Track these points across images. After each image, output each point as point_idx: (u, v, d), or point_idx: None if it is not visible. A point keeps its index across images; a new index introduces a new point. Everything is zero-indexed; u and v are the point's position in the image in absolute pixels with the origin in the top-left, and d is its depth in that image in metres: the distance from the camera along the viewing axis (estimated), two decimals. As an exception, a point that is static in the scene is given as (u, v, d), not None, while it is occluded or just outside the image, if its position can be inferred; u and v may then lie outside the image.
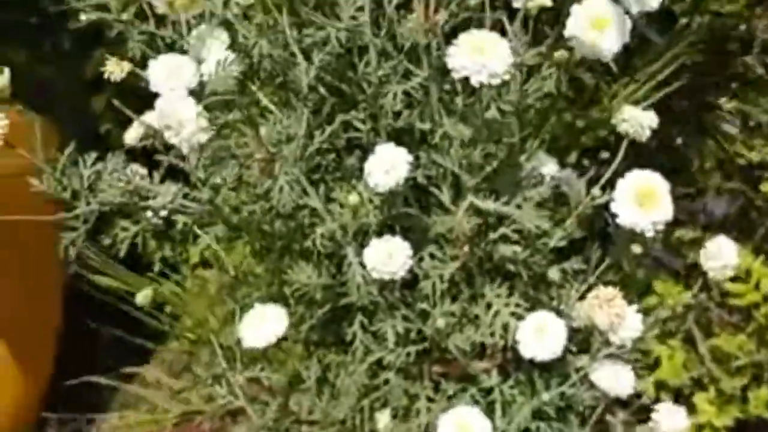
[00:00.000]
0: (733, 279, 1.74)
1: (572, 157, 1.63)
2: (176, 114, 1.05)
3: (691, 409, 1.74)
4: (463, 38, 1.09)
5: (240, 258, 1.41)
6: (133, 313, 1.72)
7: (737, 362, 1.70)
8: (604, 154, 1.61)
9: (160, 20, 1.25)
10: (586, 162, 1.64)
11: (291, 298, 1.31)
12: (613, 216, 1.16)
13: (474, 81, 1.07)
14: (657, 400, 1.80)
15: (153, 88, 1.10)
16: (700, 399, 1.74)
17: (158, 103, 1.07)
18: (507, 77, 1.07)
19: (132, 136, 1.28)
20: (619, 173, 1.20)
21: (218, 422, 1.50)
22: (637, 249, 1.37)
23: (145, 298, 1.30)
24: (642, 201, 1.15)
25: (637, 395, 1.67)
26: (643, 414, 1.79)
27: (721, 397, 1.72)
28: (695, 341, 1.78)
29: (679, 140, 2.14)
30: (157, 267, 1.91)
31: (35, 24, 1.97)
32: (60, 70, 1.97)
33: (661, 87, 1.61)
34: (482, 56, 1.07)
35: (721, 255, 1.27)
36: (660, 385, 1.79)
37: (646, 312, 1.78)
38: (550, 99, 1.38)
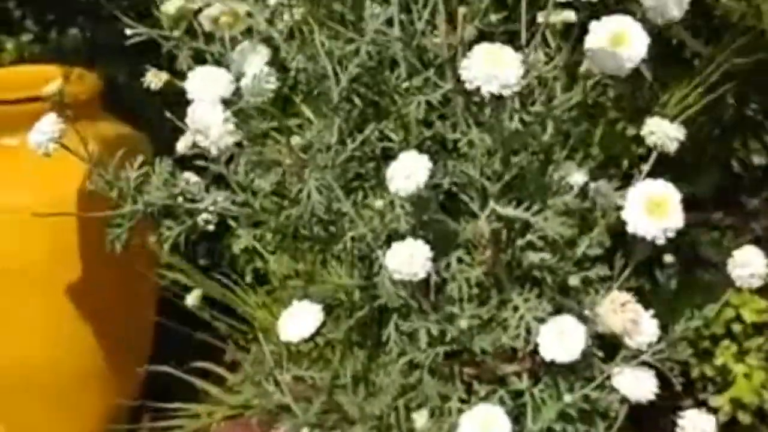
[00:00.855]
0: None
1: (624, 167, 1.63)
2: (204, 119, 1.13)
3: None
4: (477, 50, 1.14)
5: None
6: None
7: None
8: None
9: (209, 37, 1.34)
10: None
11: (328, 299, 1.37)
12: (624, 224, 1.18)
13: (484, 91, 1.11)
14: (734, 418, 1.79)
15: (190, 96, 1.18)
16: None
17: (190, 109, 1.15)
18: (518, 88, 1.11)
19: (183, 144, 1.37)
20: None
21: (266, 417, 1.57)
22: (668, 258, 1.37)
23: (195, 299, 1.39)
24: (652, 209, 1.16)
25: (714, 411, 1.66)
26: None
27: None
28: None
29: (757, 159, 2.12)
30: (249, 278, 2.00)
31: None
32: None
33: (707, 93, 1.60)
34: (494, 68, 1.11)
35: (749, 263, 1.27)
36: (737, 404, 1.78)
37: (724, 326, 1.79)
38: (594, 109, 1.40)
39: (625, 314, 1.19)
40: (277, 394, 1.44)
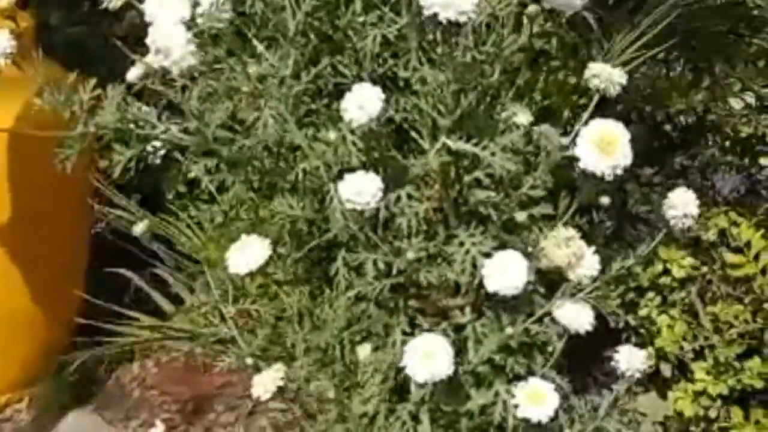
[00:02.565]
0: (734, 250, 1.77)
1: (564, 115, 1.64)
2: (166, 38, 1.10)
3: (691, 378, 1.77)
4: (434, -20, 1.13)
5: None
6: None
7: (733, 330, 1.72)
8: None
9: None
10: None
11: (276, 233, 1.36)
12: (576, 160, 1.19)
13: (442, 17, 1.11)
14: (657, 368, 1.83)
15: (148, 18, 1.15)
16: (697, 368, 1.76)
17: (150, 30, 1.13)
18: (474, 16, 1.10)
19: (134, 74, 1.34)
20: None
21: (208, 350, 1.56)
22: (604, 200, 1.40)
23: (142, 228, 1.36)
24: (603, 147, 1.18)
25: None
26: (643, 383, 1.82)
27: (718, 366, 1.73)
28: (698, 313, 1.79)
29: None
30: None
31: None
32: (92, 29, 2.05)
33: (645, 48, 1.62)
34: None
35: (683, 204, 1.30)
36: (660, 354, 1.82)
37: (651, 280, 1.83)
38: (535, 55, 1.41)
39: (570, 249, 1.21)
40: (222, 327, 1.43)
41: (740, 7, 1.88)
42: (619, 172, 1.19)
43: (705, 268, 1.84)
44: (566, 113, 1.61)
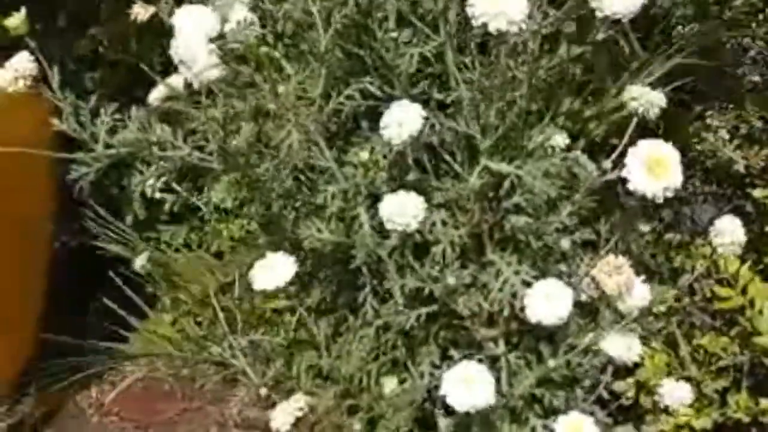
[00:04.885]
0: (720, 283, 1.69)
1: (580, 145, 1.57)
2: (189, 49, 1.02)
3: (670, 412, 1.68)
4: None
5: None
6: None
7: (720, 363, 1.64)
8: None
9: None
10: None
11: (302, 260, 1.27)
12: (623, 181, 1.11)
13: (492, 27, 1.02)
14: (636, 401, 1.75)
15: (177, 33, 1.07)
16: (679, 401, 1.68)
17: (175, 41, 1.04)
18: (524, 26, 1.02)
19: (155, 96, 1.26)
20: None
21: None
22: (644, 228, 1.32)
23: (142, 263, 1.28)
24: (653, 168, 1.09)
25: (617, 396, 1.62)
26: (623, 415, 1.73)
27: (701, 399, 1.65)
28: (677, 344, 1.71)
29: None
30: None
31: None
32: (55, 46, 1.93)
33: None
34: (501, 3, 1.02)
35: (729, 232, 1.22)
36: (640, 386, 1.74)
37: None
38: (561, 78, 1.33)
39: (620, 277, 1.12)
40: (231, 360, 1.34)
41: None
42: (669, 194, 1.10)
43: (686, 300, 1.76)
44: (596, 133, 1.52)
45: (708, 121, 1.90)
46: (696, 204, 1.98)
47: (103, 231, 1.71)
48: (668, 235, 1.79)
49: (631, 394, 1.65)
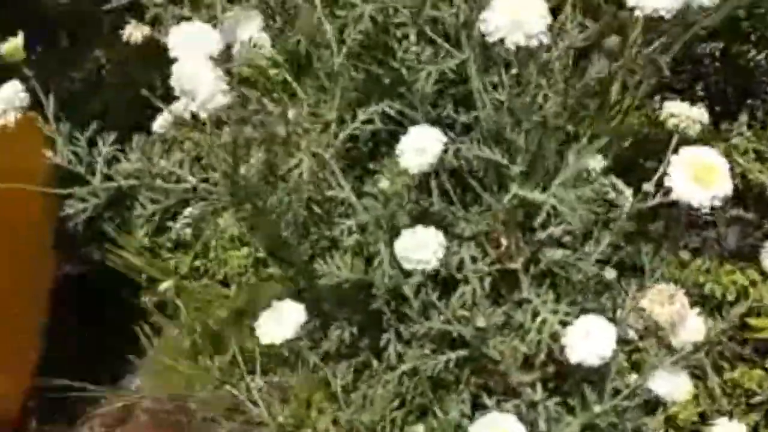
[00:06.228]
0: (748, 313, 1.56)
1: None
2: (193, 76, 0.92)
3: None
4: (498, 1, 0.95)
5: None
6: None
7: (755, 399, 1.51)
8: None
9: (194, 3, 1.14)
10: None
11: (318, 298, 1.16)
12: (666, 191, 1.00)
13: (509, 42, 0.92)
14: None
15: (172, 53, 0.97)
16: (710, 436, 1.55)
17: (176, 66, 0.95)
18: (545, 39, 0.92)
19: (160, 124, 1.17)
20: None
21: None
22: (684, 256, 1.21)
23: (167, 287, 1.19)
24: (700, 176, 0.99)
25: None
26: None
27: None
28: (705, 375, 1.59)
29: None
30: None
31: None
32: (54, 68, 1.86)
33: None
34: (518, 15, 0.93)
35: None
36: (668, 420, 1.61)
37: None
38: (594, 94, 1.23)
39: (673, 307, 1.00)
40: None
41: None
42: (717, 203, 0.99)
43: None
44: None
45: (735, 141, 1.79)
46: (722, 228, 1.88)
47: (106, 260, 1.64)
48: (696, 262, 1.68)
49: (659, 427, 1.54)
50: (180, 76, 0.94)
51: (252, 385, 1.16)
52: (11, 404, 1.70)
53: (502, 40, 0.93)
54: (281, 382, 1.36)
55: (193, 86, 0.93)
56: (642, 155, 1.34)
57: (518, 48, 0.94)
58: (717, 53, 1.65)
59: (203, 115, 0.93)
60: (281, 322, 1.07)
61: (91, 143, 1.05)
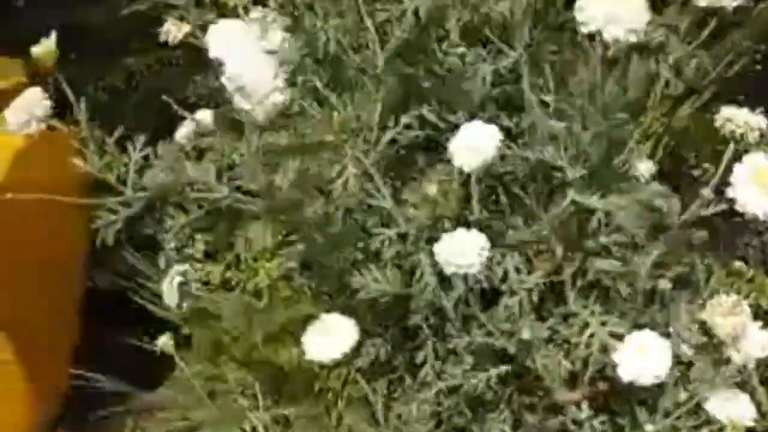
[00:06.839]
0: None
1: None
2: (251, 73, 0.86)
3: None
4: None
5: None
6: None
7: None
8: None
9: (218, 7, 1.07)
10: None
11: (353, 312, 1.10)
12: (730, 202, 0.95)
13: (607, 35, 0.86)
14: None
15: (211, 52, 0.91)
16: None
17: (229, 65, 0.88)
18: (642, 36, 0.87)
19: (182, 134, 1.12)
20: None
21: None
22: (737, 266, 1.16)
23: (165, 342, 1.14)
24: (765, 183, 0.94)
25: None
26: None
27: None
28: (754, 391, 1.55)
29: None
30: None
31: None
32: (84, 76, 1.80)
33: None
34: (618, 6, 0.87)
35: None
36: None
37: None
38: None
39: (736, 318, 0.95)
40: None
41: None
42: None
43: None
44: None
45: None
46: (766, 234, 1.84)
47: (136, 271, 1.59)
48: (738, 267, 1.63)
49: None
50: (234, 73, 0.87)
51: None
52: (45, 413, 1.68)
53: (599, 32, 0.88)
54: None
55: (251, 83, 0.86)
56: (682, 161, 1.30)
57: (616, 41, 0.87)
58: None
59: (262, 116, 0.87)
60: (331, 338, 1.02)
61: (120, 150, 0.98)
